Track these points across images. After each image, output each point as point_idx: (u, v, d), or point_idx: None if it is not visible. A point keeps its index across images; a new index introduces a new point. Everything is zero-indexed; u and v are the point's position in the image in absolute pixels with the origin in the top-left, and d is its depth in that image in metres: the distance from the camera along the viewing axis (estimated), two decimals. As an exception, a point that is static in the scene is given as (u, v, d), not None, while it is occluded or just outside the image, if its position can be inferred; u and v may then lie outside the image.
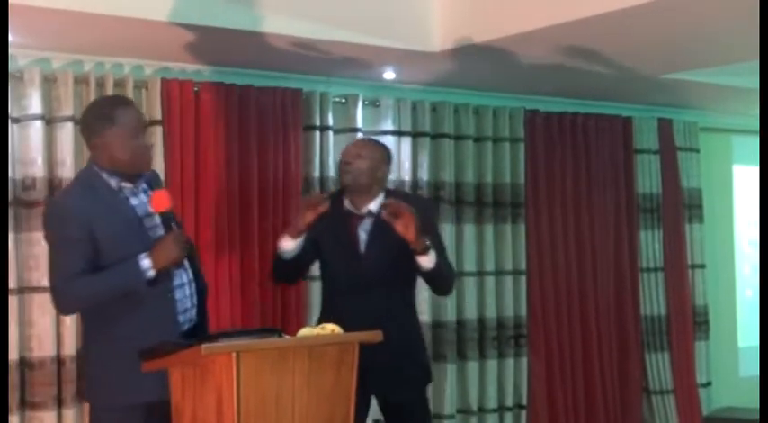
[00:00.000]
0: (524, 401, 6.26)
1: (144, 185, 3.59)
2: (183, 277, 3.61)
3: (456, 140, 6.04)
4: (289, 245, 4.01)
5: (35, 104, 4.78)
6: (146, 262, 3.42)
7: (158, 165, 5.03)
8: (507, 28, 4.76)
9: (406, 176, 5.84)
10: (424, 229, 3.98)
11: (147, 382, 3.43)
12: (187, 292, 3.63)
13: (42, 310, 4.76)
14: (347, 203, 4.11)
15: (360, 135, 5.65)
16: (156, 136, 5.04)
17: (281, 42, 4.79)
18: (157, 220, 3.54)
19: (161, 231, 3.54)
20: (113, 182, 3.51)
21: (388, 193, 4.17)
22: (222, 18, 4.50)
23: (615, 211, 6.68)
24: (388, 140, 5.78)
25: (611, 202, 6.66)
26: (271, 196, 5.37)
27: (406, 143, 5.87)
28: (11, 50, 4.74)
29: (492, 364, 6.13)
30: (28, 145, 4.78)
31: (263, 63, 5.29)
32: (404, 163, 5.85)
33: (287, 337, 3.67)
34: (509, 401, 6.20)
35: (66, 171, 4.83)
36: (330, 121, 5.60)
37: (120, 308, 3.47)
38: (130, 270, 3.42)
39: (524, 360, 6.26)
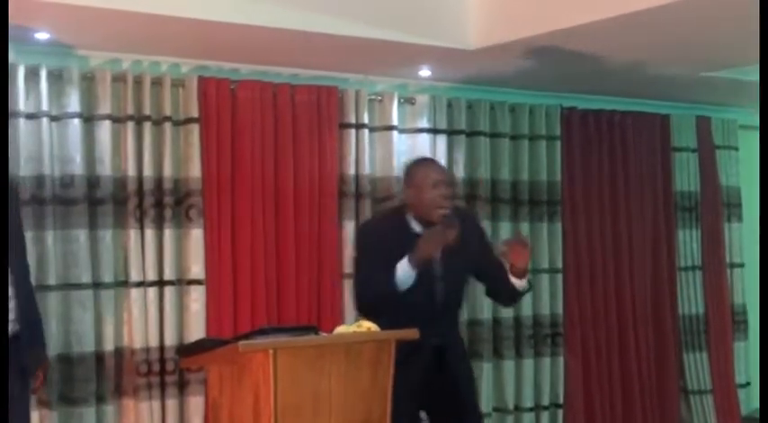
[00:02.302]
0: (561, 400, 6.22)
1: None
2: None
3: (491, 138, 6.01)
4: (409, 275, 3.95)
5: (74, 102, 4.82)
6: None
7: (195, 162, 5.06)
8: (544, 25, 4.72)
9: (442, 174, 5.82)
10: (484, 241, 4.31)
11: None
12: None
13: (83, 306, 4.80)
14: (414, 225, 4.07)
15: (395, 133, 5.66)
16: (193, 134, 5.06)
17: (318, 40, 4.79)
18: None
19: None
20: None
21: None
22: (259, 16, 4.50)
23: (653, 209, 6.63)
24: (424, 138, 5.78)
25: (649, 201, 6.61)
26: (306, 194, 5.37)
27: (442, 141, 5.85)
28: (51, 48, 4.79)
29: (528, 363, 6.10)
30: (66, 143, 4.82)
31: (299, 61, 5.29)
32: (439, 161, 5.82)
33: (323, 334, 3.68)
34: (545, 400, 6.17)
35: (105, 169, 4.88)
36: (366, 119, 5.59)
37: None
38: None
39: (561, 359, 6.22)
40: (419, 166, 4.22)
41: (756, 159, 7.26)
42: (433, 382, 4.08)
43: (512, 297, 4.37)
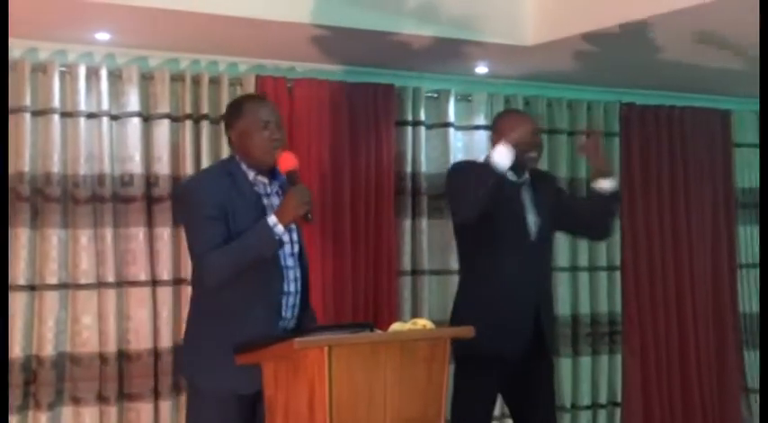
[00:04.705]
0: (618, 399, 6.18)
1: (278, 188, 3.68)
2: (292, 287, 3.68)
3: (549, 135, 5.98)
4: (507, 157, 4.01)
5: (133, 102, 4.88)
6: (272, 218, 3.50)
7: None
8: (601, 21, 4.69)
9: (499, 171, 5.80)
10: (558, 187, 4.50)
11: (251, 373, 3.52)
12: (291, 302, 3.68)
13: (140, 303, 4.87)
14: (510, 174, 4.15)
15: (452, 130, 5.65)
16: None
17: (374, 38, 4.80)
18: None
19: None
20: (251, 174, 3.63)
21: None
22: (316, 15, 4.53)
23: (713, 205, 6.54)
24: (481, 135, 5.76)
25: (709, 198, 6.52)
26: (363, 191, 5.39)
27: (499, 138, 5.82)
28: (111, 49, 4.86)
29: (586, 361, 6.06)
30: (126, 142, 4.88)
31: (355, 59, 5.31)
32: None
33: (379, 331, 3.68)
34: (603, 399, 6.13)
35: (163, 167, 4.93)
36: (422, 117, 5.60)
37: (228, 301, 3.56)
38: (260, 228, 3.50)
39: (619, 357, 6.17)
40: (506, 115, 4.50)
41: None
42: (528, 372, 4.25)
43: (603, 216, 4.36)
